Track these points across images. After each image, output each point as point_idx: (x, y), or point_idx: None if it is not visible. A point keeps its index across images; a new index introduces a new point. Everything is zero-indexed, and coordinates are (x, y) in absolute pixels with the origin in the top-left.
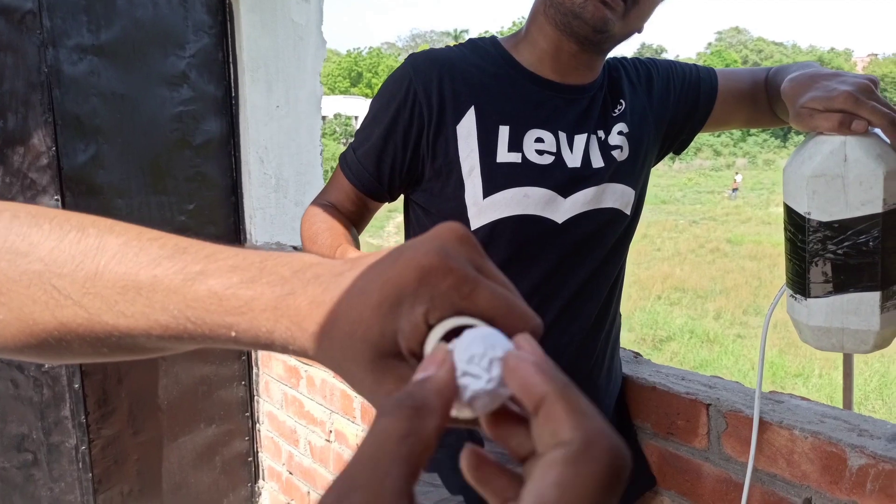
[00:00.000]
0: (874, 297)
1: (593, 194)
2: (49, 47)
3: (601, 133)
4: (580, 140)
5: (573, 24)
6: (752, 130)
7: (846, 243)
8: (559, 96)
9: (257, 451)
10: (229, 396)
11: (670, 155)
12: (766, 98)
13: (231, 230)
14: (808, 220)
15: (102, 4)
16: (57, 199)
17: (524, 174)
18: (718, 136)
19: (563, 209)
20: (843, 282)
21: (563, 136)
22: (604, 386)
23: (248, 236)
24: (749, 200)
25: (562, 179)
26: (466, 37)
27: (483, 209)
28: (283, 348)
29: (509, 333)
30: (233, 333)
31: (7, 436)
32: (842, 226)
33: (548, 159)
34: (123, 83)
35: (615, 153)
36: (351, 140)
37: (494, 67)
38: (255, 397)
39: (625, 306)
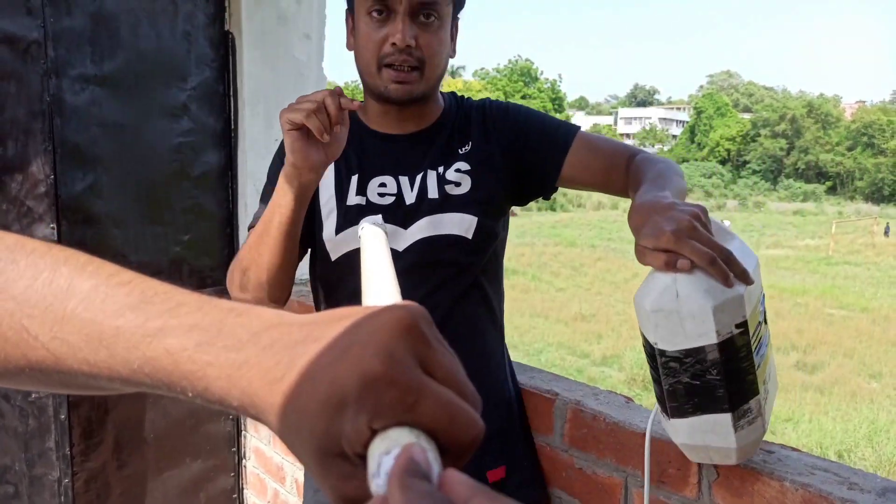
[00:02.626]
0: (726, 418)
1: (429, 222)
2: (52, 77)
3: (441, 169)
4: (419, 177)
5: (384, 100)
6: (743, 172)
7: (691, 371)
8: (397, 146)
9: (242, 488)
10: (216, 431)
11: None
12: (623, 181)
13: (226, 262)
14: (656, 348)
15: (107, 36)
16: (53, 228)
17: (367, 213)
18: (709, 177)
19: (404, 238)
20: (696, 405)
21: (404, 179)
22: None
23: None
24: None
25: (401, 215)
26: (463, 73)
27: (336, 244)
28: (237, 412)
29: (451, 444)
30: (189, 394)
31: None
32: (685, 355)
33: (389, 200)
34: (124, 113)
35: (448, 187)
36: None
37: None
38: (243, 432)
39: (615, 345)
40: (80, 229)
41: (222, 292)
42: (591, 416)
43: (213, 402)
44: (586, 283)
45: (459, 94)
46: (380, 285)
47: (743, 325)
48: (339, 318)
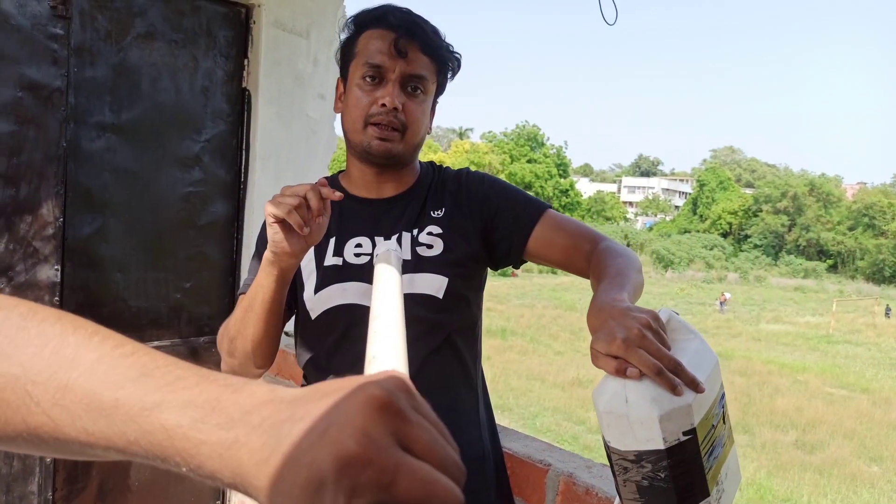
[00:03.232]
0: None
1: (404, 281)
2: (71, 123)
3: (415, 231)
4: (393, 238)
5: (367, 157)
6: (745, 246)
7: (642, 471)
8: (374, 209)
9: None
10: (202, 483)
11: (663, 263)
12: (584, 265)
13: (225, 311)
14: (610, 446)
15: (128, 87)
16: (57, 269)
17: (343, 273)
18: (711, 249)
19: None
20: (647, 501)
21: (379, 239)
22: None
23: None
24: (740, 315)
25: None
26: (471, 135)
27: (316, 303)
28: (230, 488)
29: None
30: (183, 469)
31: None
32: (634, 456)
33: (364, 259)
34: (137, 161)
35: (420, 249)
36: None
37: None
38: None
39: None
40: (84, 272)
41: None
42: (584, 490)
43: (206, 478)
44: (584, 348)
45: (468, 158)
46: (384, 333)
47: (691, 431)
48: (323, 396)
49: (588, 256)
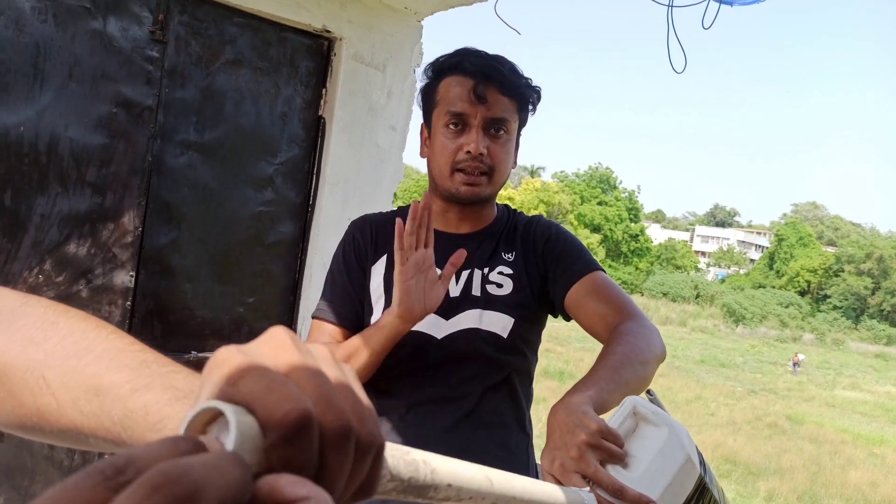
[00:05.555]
0: None
1: (470, 317)
2: (158, 139)
3: (486, 269)
4: (465, 274)
5: (454, 200)
6: (823, 307)
7: None
8: (449, 243)
9: None
10: None
11: (734, 318)
12: (606, 338)
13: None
14: None
15: (213, 108)
16: (132, 275)
17: None
18: (786, 306)
19: (443, 328)
20: None
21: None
22: None
23: (300, 337)
24: (814, 378)
25: (443, 306)
26: (542, 174)
27: None
28: None
29: (267, 418)
30: None
31: (30, 496)
32: None
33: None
34: (215, 179)
35: (490, 287)
36: None
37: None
38: None
39: None
40: (156, 279)
41: None
42: None
43: None
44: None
45: (537, 196)
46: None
47: None
48: None
49: (611, 330)
